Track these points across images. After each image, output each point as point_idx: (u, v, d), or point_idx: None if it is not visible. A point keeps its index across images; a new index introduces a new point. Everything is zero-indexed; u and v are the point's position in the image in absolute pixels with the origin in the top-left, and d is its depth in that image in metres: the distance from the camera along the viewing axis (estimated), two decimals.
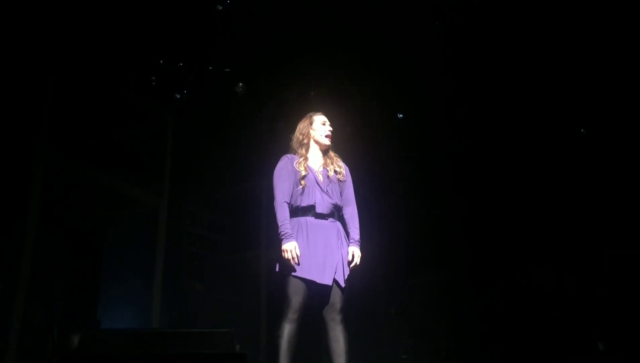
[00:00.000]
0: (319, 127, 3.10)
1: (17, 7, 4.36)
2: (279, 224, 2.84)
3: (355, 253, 2.92)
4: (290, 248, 2.76)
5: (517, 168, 6.04)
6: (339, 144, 3.28)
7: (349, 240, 2.99)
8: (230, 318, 6.48)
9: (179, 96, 5.58)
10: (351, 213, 3.03)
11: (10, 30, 4.40)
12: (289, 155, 3.08)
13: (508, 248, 6.18)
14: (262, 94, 5.54)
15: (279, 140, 3.25)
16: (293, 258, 2.74)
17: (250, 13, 4.86)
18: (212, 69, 5.40)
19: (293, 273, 2.78)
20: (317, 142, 3.09)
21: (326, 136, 3.08)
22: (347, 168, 3.15)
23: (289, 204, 2.92)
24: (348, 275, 2.88)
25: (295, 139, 3.12)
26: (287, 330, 2.72)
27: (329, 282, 2.77)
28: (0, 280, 4.29)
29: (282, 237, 2.80)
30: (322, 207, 2.92)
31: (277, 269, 2.87)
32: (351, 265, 2.89)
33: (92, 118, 5.20)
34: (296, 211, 2.93)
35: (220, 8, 4.77)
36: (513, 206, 6.18)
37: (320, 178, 2.99)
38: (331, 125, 3.16)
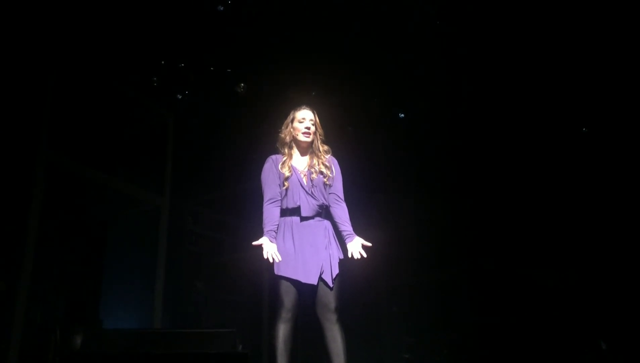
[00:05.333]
0: (297, 125, 2.98)
1: (17, 6, 4.36)
2: (262, 224, 2.84)
3: (355, 246, 2.83)
4: (260, 243, 2.76)
5: (519, 166, 6.03)
6: (337, 141, 3.22)
7: (343, 236, 2.91)
8: (232, 317, 6.48)
9: (180, 96, 5.59)
10: (341, 209, 2.95)
11: (11, 30, 4.40)
12: (273, 156, 3.02)
13: (510, 246, 6.17)
14: (264, 93, 5.54)
15: (276, 140, 3.19)
16: (267, 253, 2.73)
17: (251, 13, 4.86)
18: (213, 69, 5.40)
19: (280, 274, 2.76)
20: (297, 140, 3.01)
21: (303, 134, 2.96)
22: (335, 161, 3.05)
23: (277, 205, 2.90)
24: (337, 274, 2.81)
25: (279, 139, 3.05)
26: (282, 330, 2.70)
27: (314, 282, 2.75)
28: (3, 280, 4.29)
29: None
30: (307, 210, 2.89)
31: (273, 271, 2.84)
32: (363, 256, 2.80)
33: (93, 118, 5.21)
34: (283, 212, 2.90)
35: (222, 9, 4.77)
36: (515, 204, 6.18)
37: (305, 179, 2.93)
38: (324, 121, 3.05)
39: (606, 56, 4.94)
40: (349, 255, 2.86)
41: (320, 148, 3.02)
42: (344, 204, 2.98)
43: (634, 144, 5.41)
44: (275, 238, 2.85)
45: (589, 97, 5.32)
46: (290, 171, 2.93)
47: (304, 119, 2.99)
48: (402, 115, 5.94)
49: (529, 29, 4.86)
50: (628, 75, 5.05)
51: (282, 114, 3.17)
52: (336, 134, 3.19)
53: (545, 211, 5.99)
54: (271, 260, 2.73)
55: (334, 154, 3.10)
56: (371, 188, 6.28)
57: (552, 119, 5.59)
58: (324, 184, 2.95)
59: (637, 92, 5.14)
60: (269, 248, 2.74)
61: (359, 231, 2.95)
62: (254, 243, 2.78)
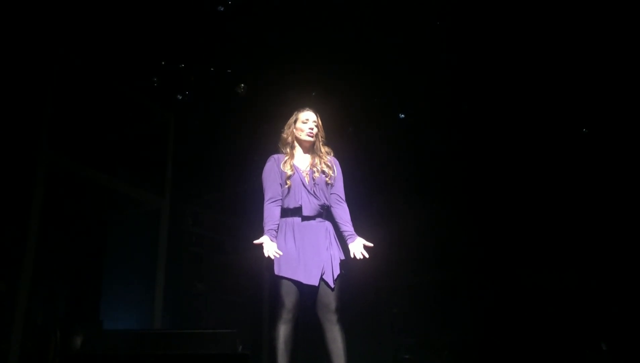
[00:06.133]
0: (301, 125, 3.03)
1: (18, 6, 4.36)
2: (263, 224, 2.85)
3: (357, 247, 2.84)
4: (260, 242, 2.76)
5: (519, 167, 6.03)
6: (337, 142, 3.23)
7: (344, 237, 2.92)
8: (232, 318, 6.48)
9: (180, 97, 5.59)
10: (342, 209, 2.97)
11: (12, 30, 4.41)
12: (275, 155, 3.05)
13: (510, 246, 6.17)
14: (264, 93, 5.54)
15: (278, 140, 3.20)
16: (267, 251, 2.73)
17: (252, 13, 4.86)
18: (213, 70, 5.40)
19: (281, 274, 2.76)
20: (300, 140, 3.05)
21: (307, 134, 3.00)
22: (337, 162, 3.09)
23: (277, 204, 2.90)
24: (339, 275, 2.81)
25: (281, 139, 3.09)
26: (282, 330, 2.70)
27: (315, 283, 2.75)
28: (3, 281, 4.30)
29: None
30: (308, 209, 2.89)
31: (274, 271, 2.84)
32: (364, 256, 2.81)
33: (94, 118, 5.21)
34: (284, 212, 2.91)
35: (222, 9, 4.77)
36: (516, 204, 6.17)
37: (307, 178, 2.95)
38: (324, 121, 3.09)
39: (606, 56, 4.94)
40: (351, 256, 2.86)
41: (322, 149, 3.06)
42: (345, 205, 3.00)
43: (634, 145, 5.41)
44: (276, 237, 2.85)
45: (590, 98, 5.32)
46: (292, 170, 2.95)
47: (307, 120, 3.03)
48: (403, 115, 5.93)
49: (530, 29, 4.86)
50: (628, 75, 5.05)
51: (283, 114, 3.19)
52: (336, 134, 3.19)
53: (545, 211, 5.98)
54: (272, 257, 2.73)
55: (335, 155, 3.13)
56: (371, 189, 6.28)
57: (552, 120, 5.59)
58: (326, 183, 2.97)
59: (637, 93, 5.14)
60: (269, 247, 2.75)
61: (359, 231, 2.96)
62: (255, 242, 2.78)
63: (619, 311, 5.43)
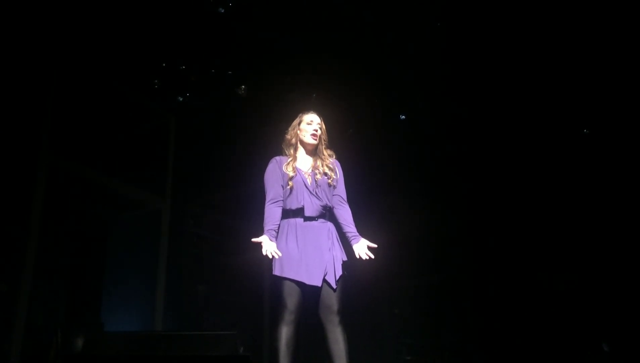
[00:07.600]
0: (305, 126, 3.06)
1: (20, 7, 4.37)
2: (263, 224, 2.85)
3: (361, 248, 2.85)
4: (259, 241, 2.76)
5: (521, 168, 6.03)
6: (338, 143, 3.24)
7: (348, 238, 2.93)
8: (233, 320, 6.48)
9: (181, 98, 5.59)
10: (345, 210, 2.98)
11: (14, 32, 4.41)
12: (277, 157, 3.06)
13: (511, 248, 6.17)
14: (265, 95, 5.54)
15: (282, 141, 3.22)
16: (266, 250, 2.73)
17: (252, 15, 4.87)
18: (214, 71, 5.40)
19: (284, 275, 2.76)
20: (303, 142, 3.06)
21: (311, 136, 3.02)
22: (338, 164, 3.10)
23: (278, 205, 2.91)
24: (341, 276, 2.81)
25: (285, 140, 3.10)
26: (284, 332, 2.71)
27: (318, 283, 2.75)
28: (4, 282, 4.30)
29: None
30: (311, 210, 2.90)
31: (274, 272, 2.85)
32: (369, 257, 2.82)
33: (95, 120, 5.22)
34: (287, 213, 2.92)
35: (223, 11, 4.77)
36: (516, 205, 6.17)
37: (309, 180, 2.96)
38: (325, 123, 3.10)
39: (606, 57, 4.94)
40: (357, 256, 2.87)
41: (325, 152, 3.08)
42: (347, 206, 3.01)
43: (636, 146, 5.40)
44: (276, 237, 2.85)
45: (590, 98, 5.32)
46: (294, 172, 2.96)
47: (311, 121, 3.06)
48: (403, 117, 5.93)
49: (531, 31, 4.86)
50: (629, 75, 5.05)
51: (283, 116, 3.20)
52: (337, 136, 3.19)
53: (546, 213, 5.98)
54: (270, 257, 2.74)
55: (335, 156, 3.14)
56: (372, 190, 6.27)
57: (552, 121, 5.59)
58: (328, 185, 2.98)
59: (638, 93, 5.14)
60: (268, 246, 2.75)
61: (360, 233, 2.96)
62: (253, 240, 2.78)
63: (620, 312, 5.42)
